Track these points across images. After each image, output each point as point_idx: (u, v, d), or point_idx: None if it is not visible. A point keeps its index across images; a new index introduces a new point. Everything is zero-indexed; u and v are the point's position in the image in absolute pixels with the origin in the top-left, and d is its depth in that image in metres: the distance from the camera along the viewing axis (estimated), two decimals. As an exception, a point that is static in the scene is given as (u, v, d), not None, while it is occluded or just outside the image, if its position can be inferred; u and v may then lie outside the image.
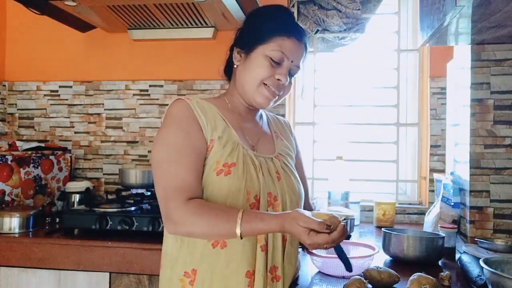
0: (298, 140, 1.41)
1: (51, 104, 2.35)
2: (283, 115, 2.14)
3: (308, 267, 1.29)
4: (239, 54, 1.16)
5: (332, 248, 1.00)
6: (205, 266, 1.06)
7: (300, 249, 1.49)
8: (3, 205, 1.82)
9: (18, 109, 2.37)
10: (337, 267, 1.19)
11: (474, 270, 1.14)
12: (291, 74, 1.16)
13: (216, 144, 1.08)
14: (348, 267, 1.00)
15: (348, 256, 1.01)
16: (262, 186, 1.09)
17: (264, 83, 1.13)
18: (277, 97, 1.16)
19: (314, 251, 1.26)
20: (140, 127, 2.27)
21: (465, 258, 1.24)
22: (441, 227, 1.44)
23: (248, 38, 1.16)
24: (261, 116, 1.30)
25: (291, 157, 1.26)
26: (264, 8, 1.22)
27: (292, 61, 1.14)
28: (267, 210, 1.09)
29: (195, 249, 1.07)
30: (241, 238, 0.98)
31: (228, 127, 1.13)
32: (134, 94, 2.27)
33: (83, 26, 2.13)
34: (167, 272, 1.11)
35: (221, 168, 1.06)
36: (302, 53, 1.17)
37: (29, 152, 1.96)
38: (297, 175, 1.22)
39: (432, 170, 2.00)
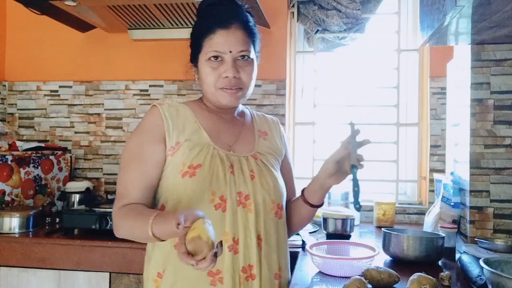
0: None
1: (51, 104, 2.35)
2: (283, 115, 2.14)
3: (308, 267, 1.29)
4: (192, 69, 1.20)
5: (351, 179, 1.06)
6: (172, 267, 1.08)
7: (300, 249, 1.49)
8: (3, 205, 1.82)
9: (18, 109, 2.37)
10: (337, 267, 1.19)
11: (474, 270, 1.14)
12: (243, 59, 1.13)
13: (183, 147, 1.11)
14: (356, 203, 1.03)
15: (349, 256, 1.01)
16: (230, 186, 1.09)
17: (220, 87, 1.13)
18: (241, 90, 1.14)
19: (314, 251, 1.26)
20: (140, 127, 2.26)
21: (465, 258, 1.24)
22: (441, 227, 1.44)
23: (192, 52, 1.19)
24: (243, 114, 1.29)
25: (274, 156, 1.24)
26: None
27: (230, 51, 1.11)
28: (237, 210, 1.09)
29: (164, 249, 1.09)
30: (163, 241, 0.98)
31: (199, 130, 1.15)
32: (134, 94, 2.28)
33: (83, 26, 2.13)
34: (145, 272, 1.16)
35: (186, 170, 1.09)
36: (236, 35, 1.12)
37: (29, 152, 1.96)
38: (276, 174, 1.20)
39: (432, 170, 2.00)
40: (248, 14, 1.18)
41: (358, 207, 1.06)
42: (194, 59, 1.18)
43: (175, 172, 1.10)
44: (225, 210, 1.08)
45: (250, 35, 1.15)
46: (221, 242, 0.89)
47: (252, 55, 1.16)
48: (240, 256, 1.07)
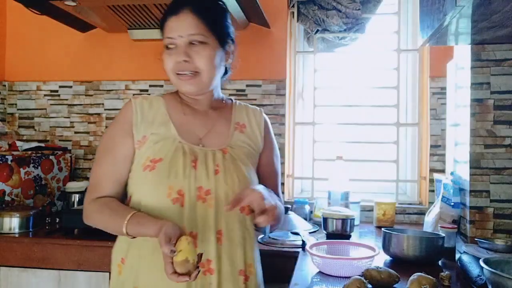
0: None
1: (51, 104, 2.35)
2: (283, 115, 2.14)
3: (308, 267, 1.29)
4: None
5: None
6: (135, 252, 1.10)
7: (300, 249, 1.49)
8: (3, 205, 1.82)
9: (18, 109, 2.37)
10: (337, 267, 1.19)
11: (474, 270, 1.14)
12: (196, 44, 1.12)
13: (148, 141, 1.14)
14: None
15: (349, 256, 1.01)
16: (189, 180, 1.09)
17: (176, 73, 1.14)
18: (197, 75, 1.13)
19: (314, 251, 1.26)
20: (140, 127, 2.26)
21: (465, 258, 1.24)
22: (441, 227, 1.44)
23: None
24: (223, 104, 1.27)
25: (248, 150, 1.22)
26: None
27: (181, 36, 1.12)
28: (196, 205, 1.09)
29: (126, 239, 1.10)
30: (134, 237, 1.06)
31: (168, 122, 1.17)
32: (134, 94, 2.27)
33: (83, 26, 2.13)
34: (112, 257, 1.20)
35: (148, 163, 1.11)
36: (187, 20, 1.12)
37: (29, 152, 1.96)
38: (245, 168, 1.17)
39: (432, 170, 2.00)
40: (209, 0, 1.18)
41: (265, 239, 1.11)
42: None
43: (139, 165, 1.13)
44: (183, 205, 1.08)
45: (204, 18, 1.13)
46: (201, 255, 0.97)
47: (208, 39, 1.13)
48: (198, 250, 1.05)
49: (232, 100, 1.31)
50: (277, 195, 1.25)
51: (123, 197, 1.18)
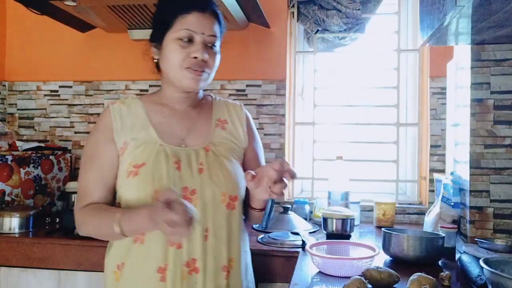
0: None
1: (51, 104, 2.35)
2: (283, 115, 2.14)
3: (308, 267, 1.29)
4: (155, 48, 1.18)
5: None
6: (129, 261, 1.11)
7: (300, 249, 1.49)
8: (3, 205, 1.82)
9: (18, 109, 2.37)
10: (337, 267, 1.19)
11: (474, 270, 1.14)
12: (210, 46, 1.15)
13: (130, 146, 1.14)
14: (265, 225, 1.06)
15: (349, 256, 1.01)
16: (174, 182, 1.08)
17: (186, 67, 1.12)
18: (205, 74, 1.15)
19: (314, 251, 1.26)
20: (140, 127, 2.26)
21: (465, 258, 1.24)
22: (441, 227, 1.44)
23: (156, 30, 1.17)
24: (203, 102, 1.27)
25: (230, 146, 1.21)
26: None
27: (203, 33, 1.12)
28: None
29: (123, 243, 1.11)
30: (127, 236, 1.07)
31: (147, 126, 1.16)
32: (134, 94, 2.27)
33: (83, 26, 2.13)
34: (106, 266, 1.18)
35: (131, 169, 1.11)
36: (210, 21, 1.14)
37: (29, 152, 1.96)
38: (229, 164, 1.16)
39: (432, 170, 2.00)
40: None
41: (264, 227, 1.10)
42: (157, 37, 1.16)
43: (122, 172, 1.13)
44: None
45: (219, 24, 1.18)
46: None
47: (217, 44, 1.17)
48: (184, 251, 1.07)
49: (211, 96, 1.31)
50: None
51: (112, 202, 1.17)
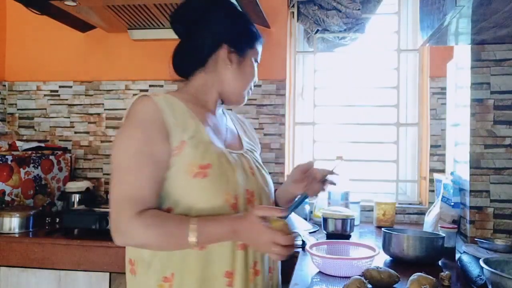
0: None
1: (51, 104, 2.35)
2: (283, 115, 2.14)
3: (308, 267, 1.29)
4: (230, 54, 1.14)
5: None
6: (184, 269, 1.03)
7: (300, 249, 1.49)
8: (3, 205, 1.82)
9: (18, 109, 2.37)
10: (337, 267, 1.19)
11: (474, 270, 1.14)
12: None
13: (188, 146, 1.04)
14: (289, 211, 1.05)
15: (349, 256, 1.01)
16: (239, 184, 1.07)
17: (250, 87, 1.21)
18: None
19: (314, 251, 1.26)
20: (140, 127, 2.26)
21: (465, 258, 1.24)
22: (441, 227, 1.44)
23: (241, 40, 1.16)
24: (222, 111, 1.28)
25: (256, 150, 1.28)
26: (244, 12, 1.30)
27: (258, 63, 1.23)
28: (247, 209, 1.07)
29: (173, 252, 1.03)
30: (197, 246, 0.99)
31: (199, 125, 1.08)
32: (134, 94, 2.27)
33: (83, 26, 2.13)
34: (142, 279, 1.06)
35: (197, 170, 1.02)
36: None
37: (29, 152, 1.96)
38: (265, 168, 1.24)
39: (432, 170, 2.00)
40: None
41: (286, 216, 1.05)
42: (240, 48, 1.15)
43: (182, 173, 1.02)
44: (237, 209, 1.06)
45: None
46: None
47: None
48: (249, 253, 1.07)
49: None
50: None
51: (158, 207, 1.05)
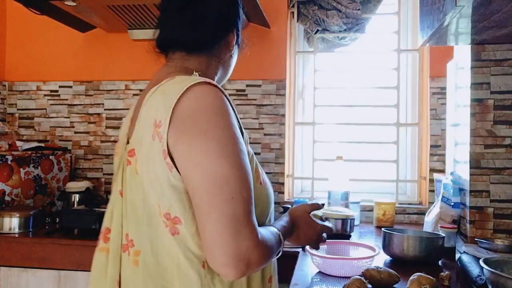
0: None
1: (51, 104, 2.35)
2: (283, 115, 2.14)
3: (308, 267, 1.29)
4: (233, 41, 1.02)
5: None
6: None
7: (300, 249, 1.49)
8: (3, 205, 1.82)
9: (18, 109, 2.37)
10: (337, 267, 1.19)
11: (474, 270, 1.14)
12: None
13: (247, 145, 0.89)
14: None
15: (349, 256, 1.02)
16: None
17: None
18: None
19: (314, 251, 1.26)
20: (140, 127, 2.26)
21: (465, 258, 1.24)
22: (441, 227, 1.44)
23: (234, 20, 1.03)
24: None
25: None
26: None
27: None
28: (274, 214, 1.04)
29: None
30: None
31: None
32: (134, 94, 2.27)
33: (83, 26, 2.13)
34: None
35: (257, 176, 0.91)
36: None
37: (29, 152, 1.96)
38: None
39: (432, 170, 2.00)
40: None
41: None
42: (238, 35, 1.03)
43: (254, 177, 0.88)
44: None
45: None
46: None
47: None
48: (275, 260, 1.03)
49: None
50: None
51: None
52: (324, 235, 1.09)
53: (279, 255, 0.90)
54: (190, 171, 0.78)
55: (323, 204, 1.12)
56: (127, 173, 0.87)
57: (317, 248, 1.12)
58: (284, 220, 0.99)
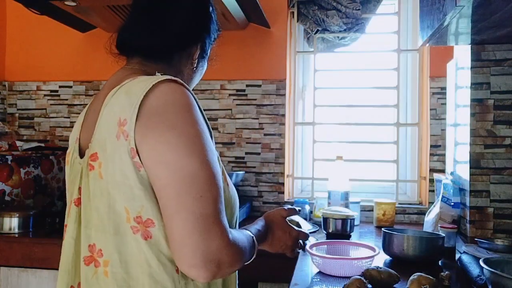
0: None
1: (51, 104, 2.35)
2: (283, 115, 2.14)
3: (308, 267, 1.29)
4: (195, 54, 0.98)
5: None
6: None
7: (300, 250, 1.49)
8: (3, 205, 1.82)
9: (18, 109, 2.37)
10: (337, 267, 1.19)
11: (474, 270, 1.14)
12: None
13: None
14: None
15: (349, 256, 1.02)
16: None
17: None
18: None
19: (314, 251, 1.26)
20: (140, 127, 2.26)
21: (465, 258, 1.24)
22: (441, 227, 1.44)
23: (203, 31, 1.00)
24: None
25: None
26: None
27: None
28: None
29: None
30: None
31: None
32: (134, 94, 2.27)
33: (83, 26, 2.13)
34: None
35: (224, 176, 0.88)
36: None
37: (29, 152, 1.96)
38: None
39: (432, 170, 2.00)
40: None
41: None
42: (200, 42, 0.98)
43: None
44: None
45: None
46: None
47: None
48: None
49: None
50: None
51: None
52: (301, 241, 1.11)
53: (252, 258, 0.86)
54: (157, 169, 0.74)
55: (299, 210, 1.14)
56: (90, 179, 0.81)
57: (292, 255, 1.10)
58: (258, 224, 0.99)
